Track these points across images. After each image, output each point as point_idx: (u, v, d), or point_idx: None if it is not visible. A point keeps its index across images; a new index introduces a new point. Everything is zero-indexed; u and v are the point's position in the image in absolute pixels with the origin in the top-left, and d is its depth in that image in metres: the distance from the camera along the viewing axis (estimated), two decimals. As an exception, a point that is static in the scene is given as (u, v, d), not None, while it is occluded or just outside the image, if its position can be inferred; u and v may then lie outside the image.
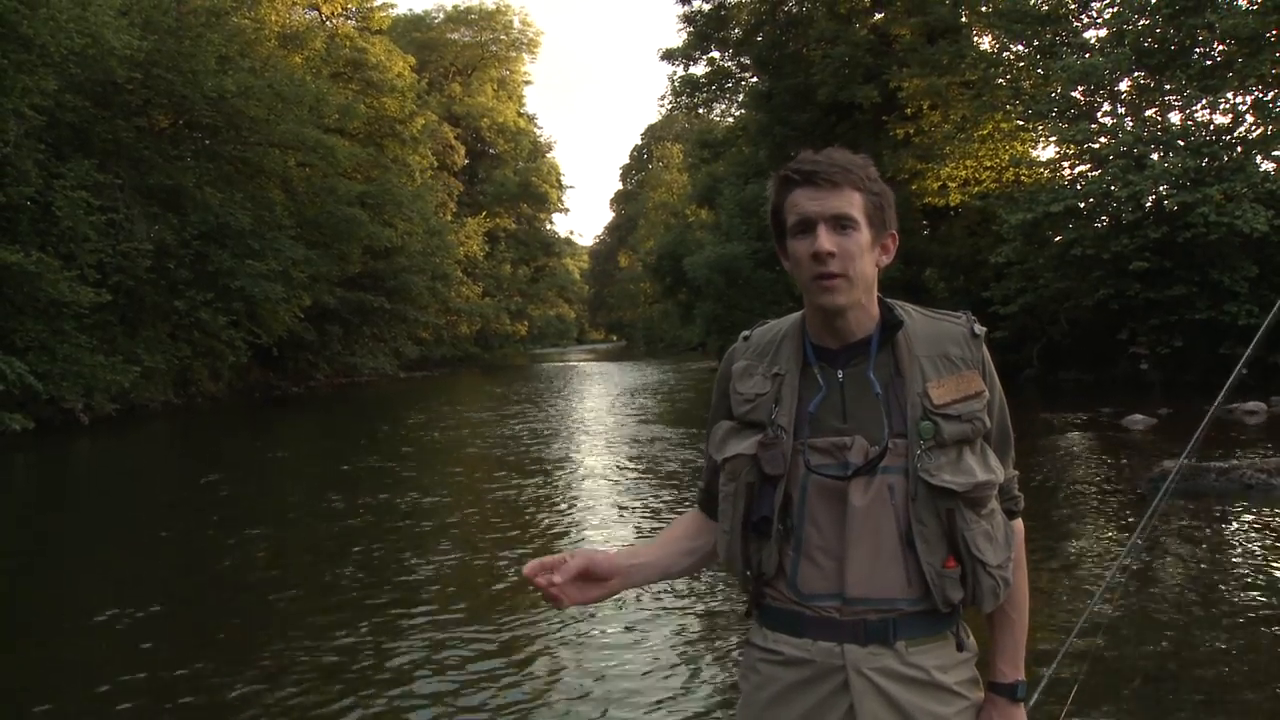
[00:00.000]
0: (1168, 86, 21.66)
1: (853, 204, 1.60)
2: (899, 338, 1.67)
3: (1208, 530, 7.74)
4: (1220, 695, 4.46)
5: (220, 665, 5.34)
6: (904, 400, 1.63)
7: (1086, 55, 21.93)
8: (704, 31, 34.72)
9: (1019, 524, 1.75)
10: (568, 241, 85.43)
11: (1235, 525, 7.93)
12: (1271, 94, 20.42)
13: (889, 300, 1.72)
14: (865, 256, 1.62)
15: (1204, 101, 20.76)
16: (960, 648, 1.66)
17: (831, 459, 1.62)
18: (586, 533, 8.52)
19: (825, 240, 1.59)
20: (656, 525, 8.64)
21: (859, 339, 1.67)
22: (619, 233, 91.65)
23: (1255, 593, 6.06)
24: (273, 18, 33.86)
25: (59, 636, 6.12)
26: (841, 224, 1.60)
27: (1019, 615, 1.74)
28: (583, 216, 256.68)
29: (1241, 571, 6.57)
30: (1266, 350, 17.78)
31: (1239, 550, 7.16)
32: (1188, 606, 5.79)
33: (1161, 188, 19.54)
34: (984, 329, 1.71)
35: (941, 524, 1.60)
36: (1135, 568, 4.93)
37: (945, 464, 1.60)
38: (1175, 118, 21.67)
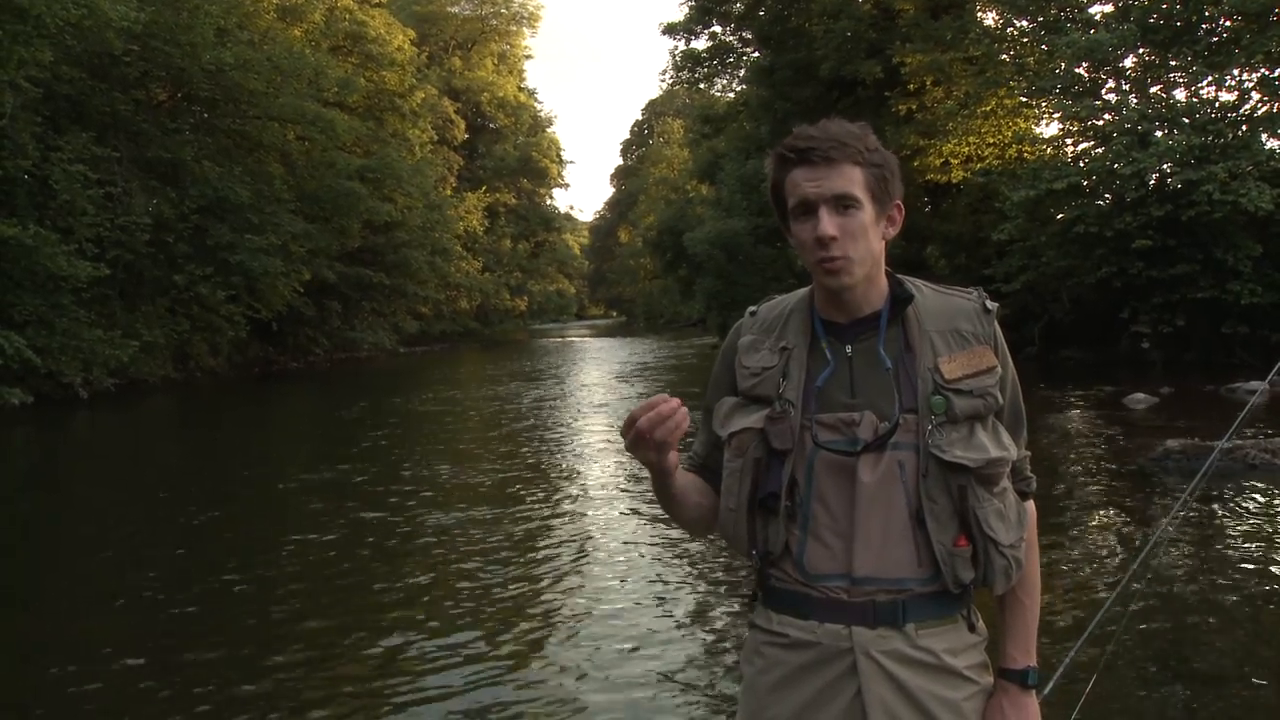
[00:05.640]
0: (1173, 63, 21.48)
1: (853, 181, 1.56)
2: (909, 312, 1.63)
3: (1213, 511, 7.70)
4: (1236, 683, 4.42)
5: (216, 641, 5.33)
6: (914, 375, 1.59)
7: (1091, 31, 21.71)
8: (705, 6, 34.40)
9: (1031, 505, 1.72)
10: (568, 217, 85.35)
11: (1240, 505, 7.90)
12: (1279, 71, 20.24)
13: (898, 275, 1.67)
14: (870, 233, 1.58)
15: (1210, 78, 20.56)
16: (971, 630, 1.63)
17: (840, 435, 1.58)
18: (586, 513, 8.50)
19: (828, 224, 1.55)
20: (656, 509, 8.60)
21: (868, 314, 1.64)
22: (619, 208, 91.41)
23: (1266, 576, 6.03)
24: (271, -11, 33.54)
25: (54, 611, 6.10)
26: (843, 204, 1.56)
27: (1030, 599, 1.70)
28: (583, 192, 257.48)
29: (1250, 554, 6.54)
30: (1269, 330, 17.79)
31: (1246, 531, 7.13)
32: (1200, 591, 5.73)
33: (1165, 165, 19.39)
34: (996, 304, 1.67)
35: (953, 501, 1.55)
36: (1142, 550, 4.89)
37: (957, 440, 1.56)
38: (1180, 94, 21.50)
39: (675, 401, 1.50)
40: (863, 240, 1.57)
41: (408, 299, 41.65)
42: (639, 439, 1.51)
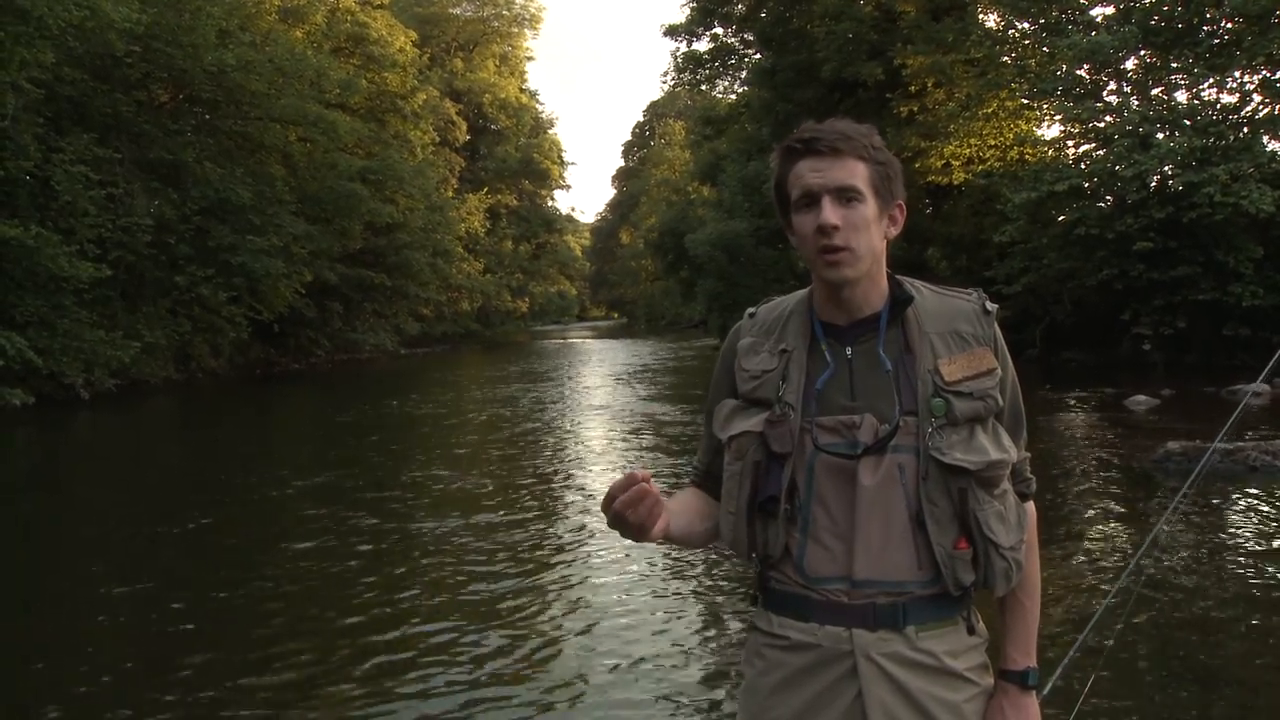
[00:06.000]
0: (1174, 65, 21.49)
1: (857, 174, 1.56)
2: (909, 314, 1.63)
3: (1213, 512, 7.71)
4: (1236, 683, 4.42)
5: (217, 642, 5.33)
6: (914, 377, 1.58)
7: (1093, 33, 21.72)
8: (707, 7, 34.45)
9: (1030, 506, 1.71)
10: (569, 218, 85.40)
11: (1241, 507, 7.90)
12: (1280, 73, 20.26)
13: (898, 276, 1.67)
14: (872, 229, 1.58)
15: (1211, 80, 20.59)
16: (971, 632, 1.62)
17: (840, 437, 1.58)
18: (586, 514, 8.49)
19: (830, 213, 1.55)
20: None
21: (868, 315, 1.63)
22: (621, 209, 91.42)
23: (1265, 577, 6.02)
24: (273, -9, 33.53)
25: (55, 612, 6.10)
26: (846, 196, 1.56)
27: (1030, 600, 1.70)
28: (584, 193, 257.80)
29: (1250, 555, 6.53)
30: (1270, 332, 17.78)
31: (1246, 533, 7.13)
32: (1199, 592, 5.73)
33: (1166, 167, 19.42)
34: (995, 306, 1.67)
35: (953, 504, 1.55)
36: (1139, 550, 4.89)
37: (957, 442, 1.55)
38: (1182, 97, 21.53)
39: (648, 483, 1.48)
40: (864, 234, 1.57)
41: (409, 300, 41.64)
42: (618, 520, 1.50)
